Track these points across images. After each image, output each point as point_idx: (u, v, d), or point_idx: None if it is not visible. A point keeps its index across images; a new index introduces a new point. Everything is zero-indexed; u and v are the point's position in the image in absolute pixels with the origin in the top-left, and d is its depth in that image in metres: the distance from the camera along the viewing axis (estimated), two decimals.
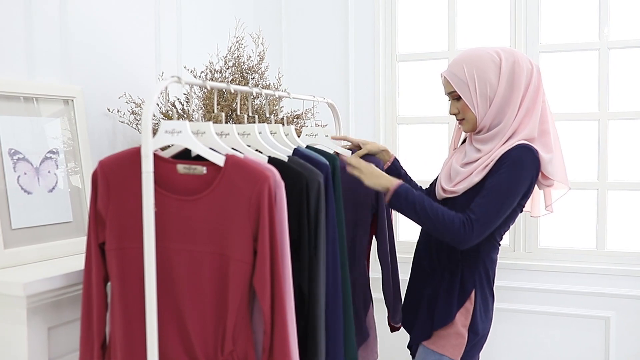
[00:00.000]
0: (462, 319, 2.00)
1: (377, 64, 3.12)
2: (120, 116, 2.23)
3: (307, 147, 1.91)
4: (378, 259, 2.23)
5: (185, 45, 2.65)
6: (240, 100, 2.15)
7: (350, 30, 3.15)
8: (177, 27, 2.62)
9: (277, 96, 1.96)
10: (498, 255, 2.07)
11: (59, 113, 1.94)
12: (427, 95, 3.11)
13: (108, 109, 2.19)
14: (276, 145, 1.75)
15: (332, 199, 1.74)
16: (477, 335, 2.01)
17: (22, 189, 1.76)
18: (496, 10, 3.01)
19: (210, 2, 2.86)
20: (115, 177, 1.49)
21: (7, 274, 1.59)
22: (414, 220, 1.94)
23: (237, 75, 2.33)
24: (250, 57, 2.42)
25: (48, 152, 1.87)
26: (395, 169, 2.25)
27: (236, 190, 1.43)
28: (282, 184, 1.45)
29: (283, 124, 1.99)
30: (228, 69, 2.35)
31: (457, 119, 2.06)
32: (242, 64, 2.35)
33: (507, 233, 2.06)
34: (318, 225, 1.62)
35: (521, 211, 2.00)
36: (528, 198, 1.97)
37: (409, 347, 2.14)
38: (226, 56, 2.38)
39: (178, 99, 2.30)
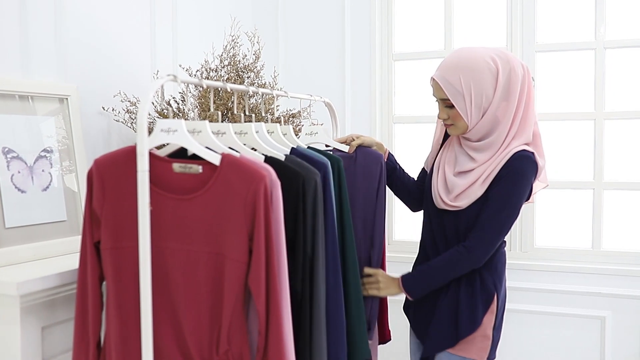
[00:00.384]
0: (488, 321, 1.98)
1: (374, 63, 3.12)
2: (116, 115, 2.22)
3: (309, 147, 1.90)
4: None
5: (181, 44, 2.64)
6: (237, 99, 2.14)
7: (347, 29, 3.14)
8: (172, 26, 2.61)
9: (274, 95, 1.95)
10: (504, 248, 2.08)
11: (55, 112, 1.93)
12: (423, 94, 3.10)
13: (103, 108, 2.18)
14: (273, 144, 1.74)
15: (330, 199, 1.73)
16: (500, 331, 2.03)
17: (15, 187, 1.75)
18: (492, 10, 3.01)
19: (207, 0, 2.85)
20: (110, 176, 1.48)
21: (0, 273, 1.57)
22: (440, 284, 2.00)
23: (232, 74, 2.32)
24: (245, 55, 2.41)
25: (42, 151, 1.86)
26: (390, 163, 2.23)
27: (232, 189, 1.42)
28: (278, 183, 1.44)
29: (280, 123, 1.98)
30: (224, 67, 2.34)
31: (446, 124, 2.00)
32: (237, 62, 2.35)
33: None
34: (315, 224, 1.62)
35: None
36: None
37: (423, 358, 2.08)
38: (222, 55, 2.37)
39: (174, 98, 2.30)
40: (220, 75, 2.33)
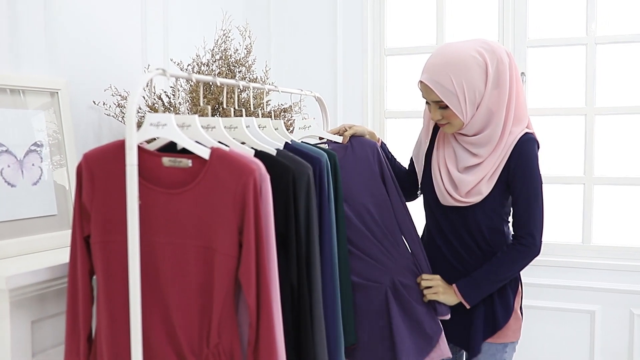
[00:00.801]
0: (517, 304, 2.05)
1: (366, 58, 3.12)
2: (106, 109, 2.21)
3: (303, 142, 1.91)
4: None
5: (172, 38, 2.63)
6: (227, 93, 2.14)
7: (339, 23, 3.14)
8: (164, 20, 2.60)
9: (265, 89, 1.95)
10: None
11: (45, 106, 1.93)
12: (415, 89, 3.10)
13: (94, 102, 2.17)
14: (265, 138, 1.74)
15: (325, 194, 1.74)
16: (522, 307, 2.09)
17: (5, 181, 1.74)
18: (484, 5, 3.02)
19: None
20: (99, 170, 1.48)
21: None
22: (499, 285, 1.99)
23: (224, 69, 2.31)
24: (237, 50, 2.40)
25: (32, 145, 1.85)
26: (383, 153, 2.21)
27: (221, 183, 1.42)
28: (267, 177, 1.45)
29: (271, 118, 1.98)
30: (215, 62, 2.34)
31: (441, 124, 1.98)
32: (229, 57, 2.34)
33: None
34: (310, 218, 1.62)
35: None
36: None
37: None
38: (213, 49, 2.37)
39: (165, 92, 2.29)
40: (212, 69, 2.32)
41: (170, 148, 1.57)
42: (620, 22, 2.84)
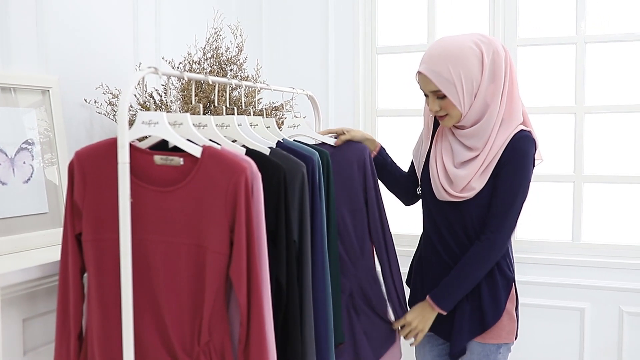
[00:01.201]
0: (511, 304, 2.04)
1: (357, 57, 3.13)
2: (98, 107, 2.21)
3: (295, 140, 1.91)
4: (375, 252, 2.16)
5: (164, 36, 2.63)
6: (218, 92, 2.15)
7: (330, 22, 3.14)
8: (155, 18, 2.60)
9: (257, 88, 1.95)
10: None
11: (37, 103, 1.92)
12: (407, 88, 3.12)
13: (85, 100, 2.17)
14: (257, 137, 1.75)
15: (317, 193, 1.75)
16: (518, 310, 2.08)
17: None
18: (475, 4, 3.03)
19: None
20: (91, 168, 1.48)
21: None
22: (472, 286, 2.00)
23: (215, 67, 2.32)
24: (228, 48, 2.41)
25: (24, 143, 1.85)
26: (382, 158, 2.23)
27: (213, 182, 1.43)
28: (259, 175, 1.45)
29: (262, 116, 1.98)
30: (207, 60, 2.34)
31: (439, 116, 1.99)
32: (220, 55, 2.35)
33: None
34: (303, 217, 1.63)
35: None
36: None
37: (451, 355, 2.07)
38: (204, 47, 2.37)
39: (156, 90, 2.29)
40: (203, 67, 2.32)
41: (162, 146, 1.58)
42: (610, 21, 2.86)
